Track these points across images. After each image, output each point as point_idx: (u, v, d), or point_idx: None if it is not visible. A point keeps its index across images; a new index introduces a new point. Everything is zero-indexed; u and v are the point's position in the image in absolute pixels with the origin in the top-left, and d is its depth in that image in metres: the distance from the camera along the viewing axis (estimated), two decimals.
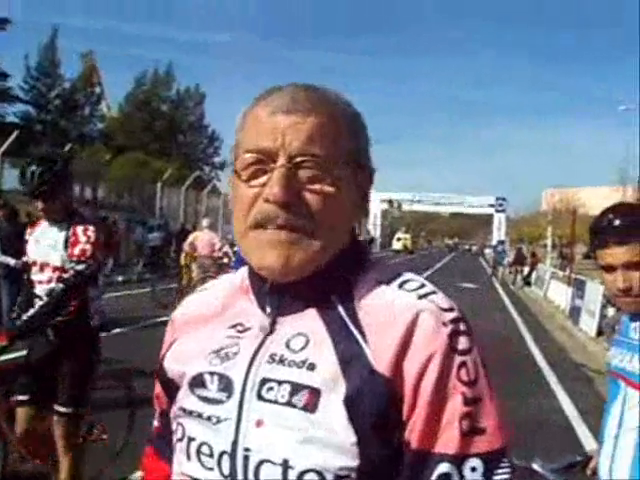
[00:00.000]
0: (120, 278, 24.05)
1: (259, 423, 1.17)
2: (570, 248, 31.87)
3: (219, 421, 1.21)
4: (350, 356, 1.17)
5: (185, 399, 1.27)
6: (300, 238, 1.18)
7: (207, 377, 1.24)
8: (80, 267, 4.47)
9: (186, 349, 1.32)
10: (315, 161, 1.18)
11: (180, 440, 1.27)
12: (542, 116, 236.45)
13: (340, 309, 1.23)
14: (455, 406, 1.15)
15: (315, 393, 1.15)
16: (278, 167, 1.18)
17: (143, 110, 62.61)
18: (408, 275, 1.27)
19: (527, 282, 33.99)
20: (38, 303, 4.44)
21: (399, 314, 1.18)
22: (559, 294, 24.67)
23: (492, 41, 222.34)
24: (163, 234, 29.33)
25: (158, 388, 1.40)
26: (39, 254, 4.62)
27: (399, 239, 63.87)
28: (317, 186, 1.19)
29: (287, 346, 1.21)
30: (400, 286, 1.24)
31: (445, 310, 1.19)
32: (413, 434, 1.15)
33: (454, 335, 1.17)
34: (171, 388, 1.33)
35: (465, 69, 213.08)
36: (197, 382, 1.26)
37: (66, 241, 4.53)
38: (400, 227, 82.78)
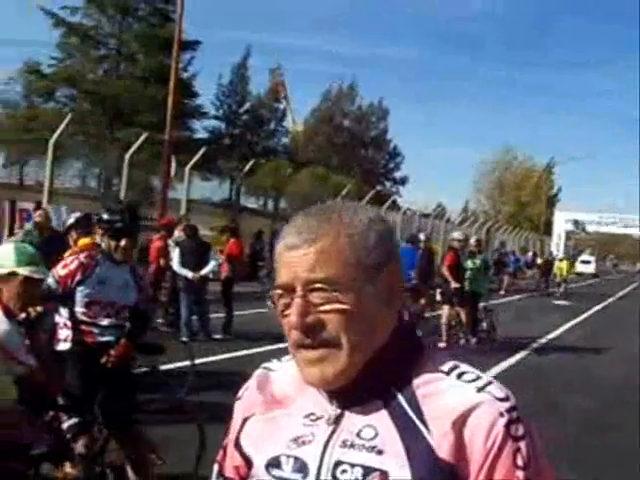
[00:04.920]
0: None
1: None
2: None
3: None
4: (414, 443, 1.32)
5: (262, 478, 1.43)
6: (328, 354, 1.34)
7: (283, 459, 1.41)
8: None
9: (262, 431, 1.47)
10: (324, 285, 1.33)
11: None
12: None
13: (402, 400, 1.37)
14: None
15: (384, 475, 1.31)
16: (295, 298, 1.34)
17: (326, 125, 63.59)
18: (464, 366, 1.41)
19: None
20: None
21: (459, 406, 1.32)
22: None
23: None
24: None
25: (238, 460, 1.52)
26: None
27: (583, 262, 61.72)
28: (331, 306, 1.33)
29: (358, 435, 1.36)
30: (459, 377, 1.38)
31: (501, 400, 1.34)
32: None
33: (510, 424, 1.32)
34: (247, 463, 1.49)
35: None
36: (274, 464, 1.42)
37: None
38: (585, 249, 79.97)
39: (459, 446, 1.30)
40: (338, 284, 1.33)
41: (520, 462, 1.31)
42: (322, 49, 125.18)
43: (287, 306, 1.36)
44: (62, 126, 17.74)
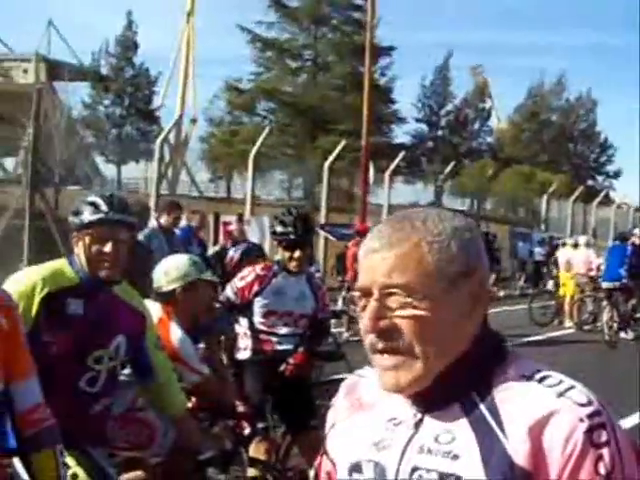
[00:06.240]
0: (502, 293, 23.91)
1: None
2: None
3: None
4: (491, 449, 1.31)
5: None
6: (402, 360, 1.34)
7: (364, 463, 1.44)
8: None
9: (346, 435, 1.51)
10: (400, 290, 1.33)
11: None
12: None
13: (481, 406, 1.36)
14: None
15: None
16: (371, 301, 1.35)
17: (532, 121, 61.85)
18: (547, 371, 1.38)
19: None
20: None
21: (537, 411, 1.30)
22: None
23: None
24: (547, 249, 28.62)
25: (329, 466, 1.56)
26: None
27: None
28: (407, 312, 1.33)
29: (435, 440, 1.36)
30: (540, 381, 1.35)
31: (583, 405, 1.30)
32: None
33: (591, 430, 1.28)
34: (335, 467, 1.53)
35: None
36: (356, 468, 1.45)
37: None
38: None
39: (536, 453, 1.28)
40: (415, 291, 1.33)
41: (603, 470, 1.27)
42: (522, 42, 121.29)
43: (364, 309, 1.38)
44: (261, 139, 18.35)
